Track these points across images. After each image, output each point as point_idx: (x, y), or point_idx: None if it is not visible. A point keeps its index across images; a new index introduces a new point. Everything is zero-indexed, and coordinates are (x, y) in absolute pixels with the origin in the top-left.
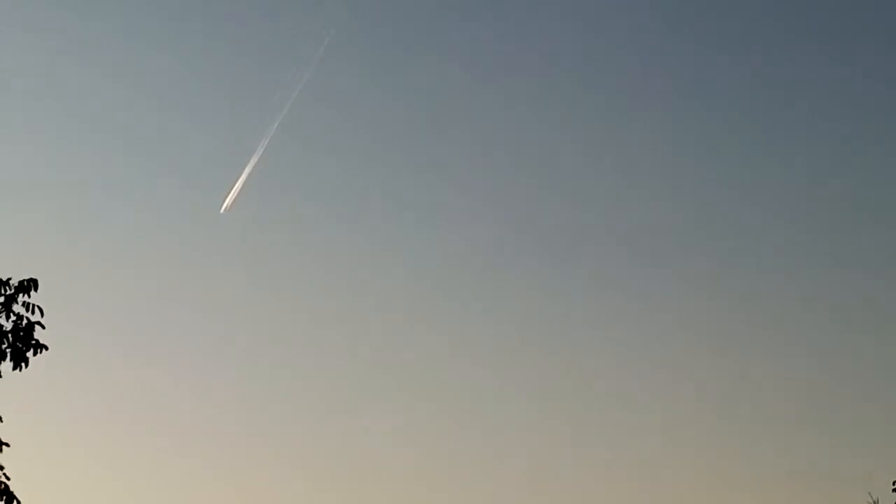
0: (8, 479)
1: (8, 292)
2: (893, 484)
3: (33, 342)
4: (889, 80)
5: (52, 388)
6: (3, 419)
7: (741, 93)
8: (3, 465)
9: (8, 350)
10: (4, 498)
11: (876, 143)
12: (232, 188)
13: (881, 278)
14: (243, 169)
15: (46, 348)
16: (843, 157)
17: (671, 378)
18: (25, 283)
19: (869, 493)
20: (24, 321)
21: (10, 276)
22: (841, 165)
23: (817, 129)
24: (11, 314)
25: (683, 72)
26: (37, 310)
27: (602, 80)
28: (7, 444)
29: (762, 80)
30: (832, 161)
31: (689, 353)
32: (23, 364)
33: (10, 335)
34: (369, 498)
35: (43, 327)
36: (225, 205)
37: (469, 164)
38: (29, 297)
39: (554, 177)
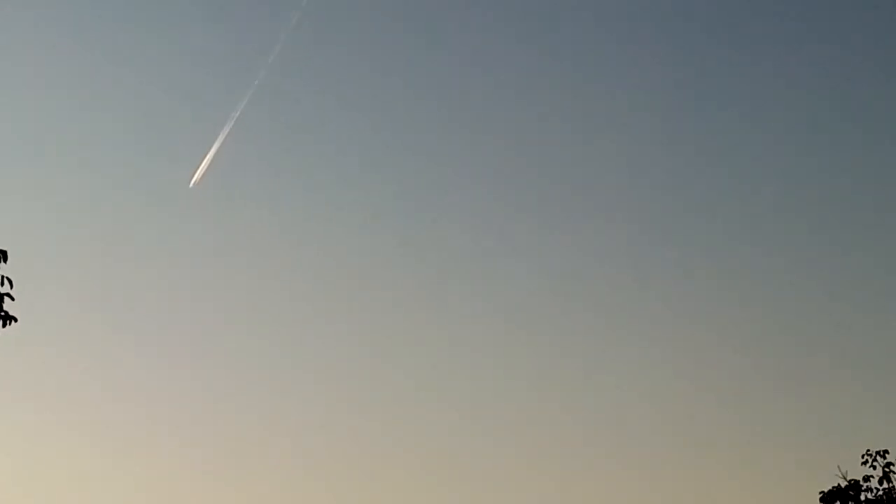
0: None
1: None
2: (862, 457)
3: (2, 313)
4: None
5: (21, 358)
6: None
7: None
8: None
9: None
10: None
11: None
12: (201, 162)
13: (860, 265)
14: (213, 143)
15: (16, 320)
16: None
17: (649, 348)
18: None
19: (838, 467)
20: None
21: None
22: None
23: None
24: None
25: (683, 73)
26: (6, 281)
27: (603, 81)
28: None
29: (762, 82)
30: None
31: (667, 327)
32: None
33: None
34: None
35: (12, 298)
36: (194, 179)
37: (452, 136)
38: None
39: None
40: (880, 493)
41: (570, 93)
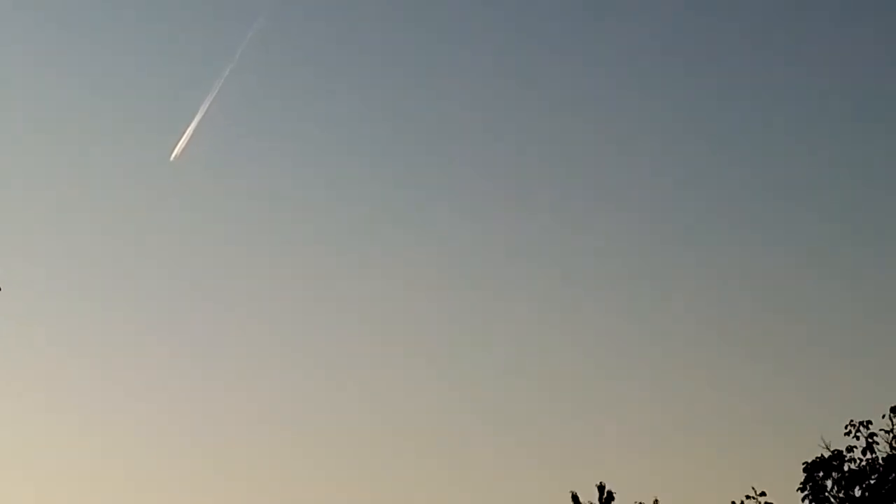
0: None
1: None
2: (845, 428)
3: None
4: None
5: (4, 327)
6: None
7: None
8: None
9: None
10: None
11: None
12: (182, 136)
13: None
14: (194, 115)
15: None
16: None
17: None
18: None
19: (821, 437)
20: None
21: None
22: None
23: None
24: None
25: (688, 75)
26: None
27: (604, 81)
28: None
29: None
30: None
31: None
32: None
33: None
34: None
35: None
36: (175, 152)
37: (441, 118)
38: None
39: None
40: (863, 463)
41: (573, 84)
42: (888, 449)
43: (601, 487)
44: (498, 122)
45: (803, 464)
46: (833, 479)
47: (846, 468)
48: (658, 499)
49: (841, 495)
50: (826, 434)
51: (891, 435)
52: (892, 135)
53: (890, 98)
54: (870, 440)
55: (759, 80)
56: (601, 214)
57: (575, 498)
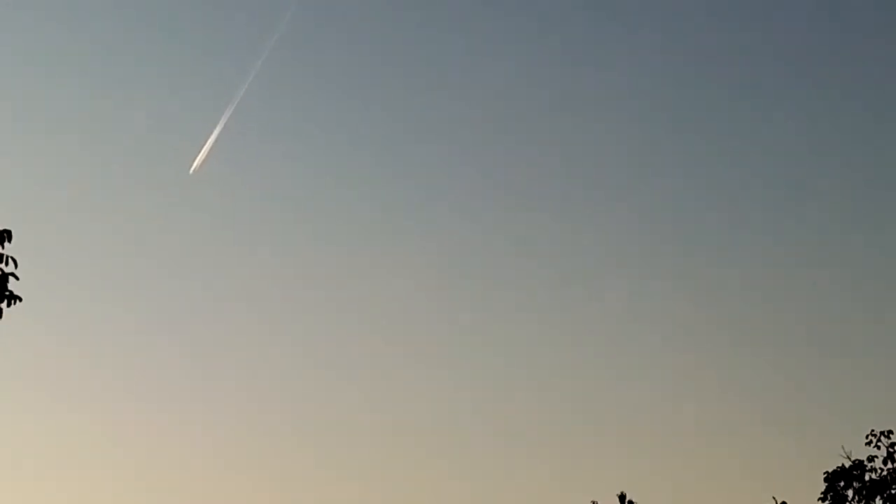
0: None
1: None
2: (866, 438)
3: (7, 293)
4: None
5: (26, 338)
6: None
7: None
8: None
9: None
10: None
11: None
12: (201, 149)
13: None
14: (213, 129)
15: (21, 299)
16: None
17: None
18: None
19: (842, 447)
20: None
21: None
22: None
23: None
24: None
25: (678, 78)
26: (10, 261)
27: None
28: None
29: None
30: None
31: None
32: None
33: None
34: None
35: (17, 278)
36: (194, 166)
37: (456, 125)
38: (3, 248)
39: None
40: (884, 473)
41: (572, 82)
42: None
43: (622, 497)
44: (525, 124)
45: (824, 473)
46: (854, 488)
47: (867, 478)
48: None
49: None
50: (847, 443)
51: None
52: None
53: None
54: (891, 450)
55: (759, 79)
56: (609, 213)
57: None
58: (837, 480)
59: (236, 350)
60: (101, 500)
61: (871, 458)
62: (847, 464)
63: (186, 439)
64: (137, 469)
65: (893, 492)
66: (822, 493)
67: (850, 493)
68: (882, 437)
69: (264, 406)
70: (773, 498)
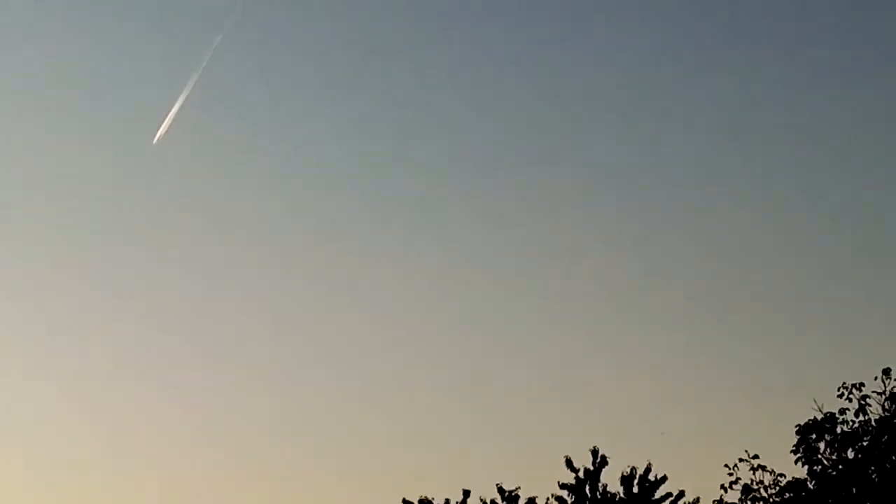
0: None
1: None
2: (838, 390)
3: None
4: None
5: None
6: None
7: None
8: None
9: None
10: None
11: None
12: (165, 117)
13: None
14: (177, 97)
15: None
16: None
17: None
18: None
19: (814, 400)
20: None
21: None
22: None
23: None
24: None
25: (679, 76)
26: None
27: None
28: None
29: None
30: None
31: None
32: None
33: None
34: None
35: None
36: (158, 135)
37: (429, 93)
38: None
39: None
40: (856, 425)
41: (574, 72)
42: (881, 411)
43: (595, 452)
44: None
45: (796, 426)
46: (826, 441)
47: (839, 430)
48: (651, 463)
49: (834, 457)
50: (819, 396)
51: (883, 397)
52: None
53: None
54: (862, 402)
55: (759, 78)
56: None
57: (569, 463)
58: (809, 433)
59: (201, 324)
60: (101, 501)
61: (842, 411)
62: (819, 416)
63: (153, 416)
64: (148, 466)
65: (865, 444)
66: (794, 445)
67: (821, 445)
68: (854, 390)
69: (232, 382)
70: (746, 451)
